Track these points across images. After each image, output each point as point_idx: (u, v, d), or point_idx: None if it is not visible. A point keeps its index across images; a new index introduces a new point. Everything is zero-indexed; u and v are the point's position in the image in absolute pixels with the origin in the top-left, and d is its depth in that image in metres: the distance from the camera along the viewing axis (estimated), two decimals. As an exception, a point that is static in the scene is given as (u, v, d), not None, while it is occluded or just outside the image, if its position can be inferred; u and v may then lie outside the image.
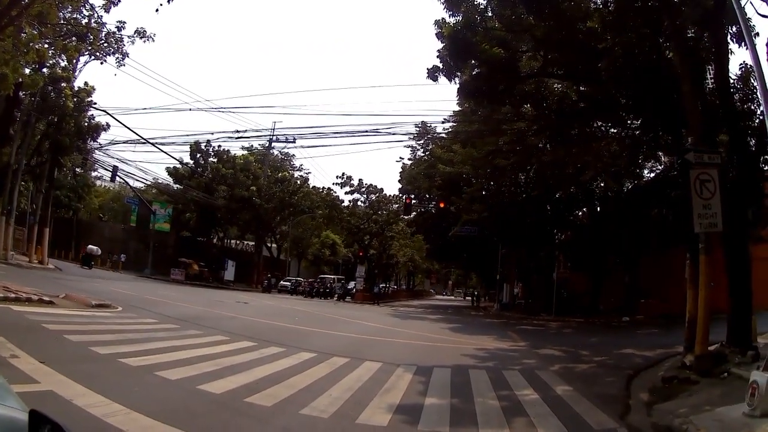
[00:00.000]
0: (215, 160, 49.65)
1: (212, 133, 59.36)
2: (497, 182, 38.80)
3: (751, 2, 11.55)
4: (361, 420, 6.77)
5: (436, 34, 18.24)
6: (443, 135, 41.13)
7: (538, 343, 18.48)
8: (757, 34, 13.36)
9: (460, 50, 17.83)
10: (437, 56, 18.50)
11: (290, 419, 6.56)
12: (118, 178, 41.92)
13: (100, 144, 37.84)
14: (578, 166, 25.77)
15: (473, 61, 19.18)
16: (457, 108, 33.08)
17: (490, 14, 18.56)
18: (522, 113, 24.85)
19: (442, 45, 18.22)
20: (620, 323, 28.12)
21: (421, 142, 46.99)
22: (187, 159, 49.38)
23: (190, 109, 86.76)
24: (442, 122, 48.07)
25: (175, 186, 50.82)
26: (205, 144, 48.51)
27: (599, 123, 22.11)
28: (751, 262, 11.51)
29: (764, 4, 10.79)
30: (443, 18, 17.87)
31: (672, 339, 16.47)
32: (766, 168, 11.55)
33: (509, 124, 25.21)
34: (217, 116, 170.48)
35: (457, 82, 19.78)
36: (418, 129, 40.32)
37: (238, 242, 61.97)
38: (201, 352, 10.37)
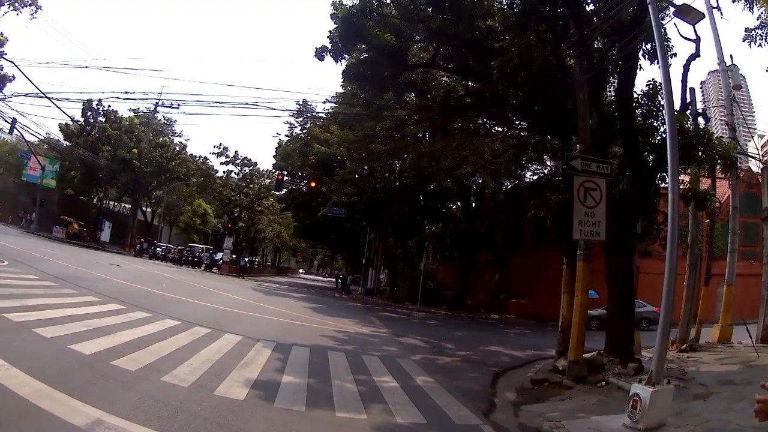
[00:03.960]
0: (103, 119, 49.41)
1: (103, 92, 60.42)
2: (371, 167, 39.30)
3: (675, 24, 11.91)
4: (219, 392, 6.82)
5: (330, 14, 18.16)
6: (322, 115, 41.42)
7: (401, 331, 18.57)
8: (675, 54, 14.01)
9: (351, 33, 17.86)
10: (327, 36, 18.51)
11: (152, 386, 6.60)
12: (15, 131, 40.19)
13: (4, 95, 35.85)
14: (456, 159, 26.07)
15: (362, 45, 19.38)
16: (340, 90, 32.69)
17: (388, 1, 18.55)
18: (404, 101, 24.92)
19: (334, 26, 18.18)
20: (488, 319, 28.93)
21: (300, 119, 47.48)
22: (78, 116, 48.86)
23: (87, 66, 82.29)
24: (323, 102, 48.71)
25: (65, 143, 49.86)
26: (96, 103, 48.24)
27: (484, 120, 22.47)
28: (638, 275, 11.97)
29: (688, 26, 11.08)
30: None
31: (543, 341, 17.08)
32: (662, 185, 11.90)
33: (390, 110, 25.21)
34: (110, 76, 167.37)
35: (344, 64, 19.91)
36: (298, 106, 40.04)
37: (115, 204, 62.03)
38: (74, 312, 10.53)
